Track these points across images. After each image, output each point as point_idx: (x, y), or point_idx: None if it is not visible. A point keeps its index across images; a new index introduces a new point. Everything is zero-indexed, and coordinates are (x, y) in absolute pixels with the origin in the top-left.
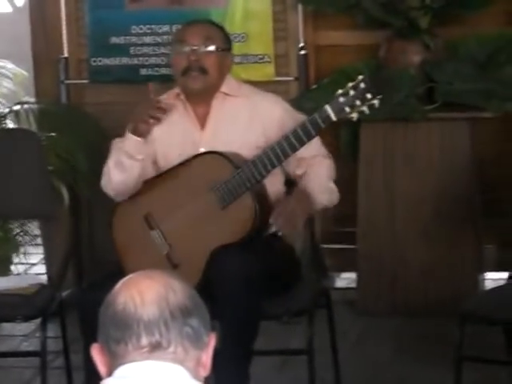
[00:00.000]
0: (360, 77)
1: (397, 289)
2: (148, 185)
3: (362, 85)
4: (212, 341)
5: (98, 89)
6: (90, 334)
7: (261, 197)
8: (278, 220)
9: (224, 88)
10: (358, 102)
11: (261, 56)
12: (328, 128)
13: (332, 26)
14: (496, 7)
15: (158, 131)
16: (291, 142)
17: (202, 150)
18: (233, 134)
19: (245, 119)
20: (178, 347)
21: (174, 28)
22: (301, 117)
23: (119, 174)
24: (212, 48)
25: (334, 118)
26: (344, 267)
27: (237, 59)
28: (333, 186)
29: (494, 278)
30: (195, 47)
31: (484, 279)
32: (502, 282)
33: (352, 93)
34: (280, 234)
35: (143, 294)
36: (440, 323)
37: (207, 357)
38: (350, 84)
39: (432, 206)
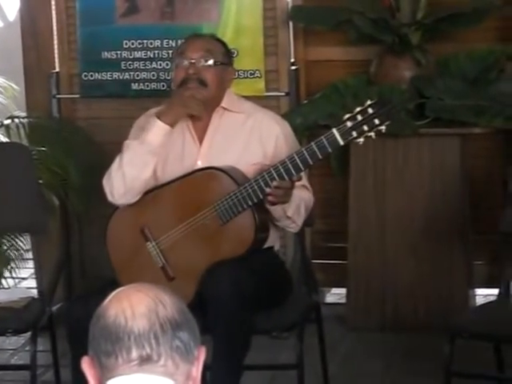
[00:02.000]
0: (368, 102)
1: (387, 304)
2: (146, 196)
3: (370, 110)
4: (202, 355)
5: (90, 103)
6: (78, 348)
7: (262, 214)
8: (277, 191)
9: (224, 103)
10: (365, 128)
11: (251, 71)
12: None
13: (323, 42)
14: (486, 24)
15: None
16: (296, 164)
17: (199, 163)
18: (230, 149)
19: (243, 135)
20: (168, 360)
21: (165, 43)
22: (296, 144)
23: (134, 170)
24: (211, 62)
25: (341, 142)
26: (334, 282)
27: None
28: (303, 211)
29: (483, 294)
30: (193, 61)
31: (474, 295)
32: (491, 298)
33: (359, 118)
34: (268, 206)
35: (134, 307)
36: (429, 339)
37: (197, 371)
38: (358, 108)
39: (422, 222)
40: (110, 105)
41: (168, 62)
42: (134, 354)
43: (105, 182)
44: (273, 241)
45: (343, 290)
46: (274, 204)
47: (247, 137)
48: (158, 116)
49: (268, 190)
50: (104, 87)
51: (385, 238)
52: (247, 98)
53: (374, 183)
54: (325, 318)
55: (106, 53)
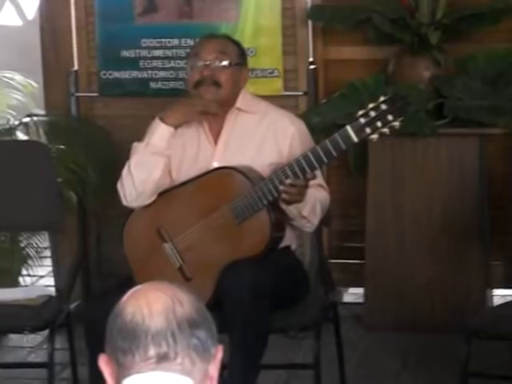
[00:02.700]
0: (381, 98)
1: (404, 304)
2: (162, 197)
3: (384, 106)
4: (219, 353)
5: (108, 102)
6: (96, 346)
7: (276, 213)
8: (291, 189)
9: (239, 103)
10: (379, 124)
11: (270, 70)
12: None
13: (341, 41)
14: (506, 24)
15: (173, 143)
16: (310, 162)
17: (215, 164)
18: (245, 149)
19: (259, 136)
20: (185, 359)
21: (184, 41)
22: (312, 142)
23: (142, 173)
24: (225, 63)
25: (355, 139)
26: (351, 282)
27: None
28: (319, 210)
29: (501, 295)
30: (208, 62)
31: (491, 295)
32: (509, 299)
33: (373, 114)
34: (283, 206)
35: (151, 305)
36: (447, 339)
37: (214, 369)
38: (371, 105)
39: (440, 222)
40: (128, 103)
41: (186, 62)
42: (152, 352)
43: (118, 186)
44: (289, 240)
45: (360, 290)
46: (288, 203)
47: (262, 137)
48: (161, 118)
49: (282, 187)
50: (122, 86)
51: (402, 237)
52: (265, 97)
53: (391, 183)
54: (342, 318)
55: (124, 51)
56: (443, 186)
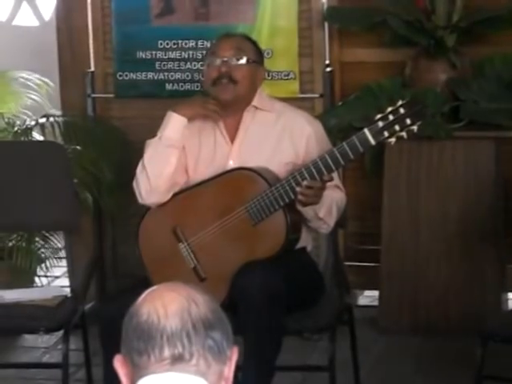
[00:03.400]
0: (400, 102)
1: (419, 307)
2: (178, 197)
3: (402, 110)
4: (234, 355)
5: (124, 103)
6: (110, 347)
7: (292, 215)
8: (307, 190)
9: (256, 102)
10: (397, 127)
11: (286, 72)
12: None
13: (358, 44)
14: None
15: (188, 141)
16: (328, 164)
17: (231, 162)
18: (262, 148)
19: (275, 135)
20: (200, 360)
21: (200, 43)
22: (328, 144)
23: (156, 167)
24: (243, 60)
25: (372, 142)
26: (367, 285)
27: None
28: (335, 212)
29: None
30: (226, 59)
31: (507, 299)
32: None
33: (391, 117)
34: (299, 207)
35: (166, 306)
36: (461, 342)
37: (229, 371)
38: (390, 108)
39: (455, 225)
40: (144, 105)
41: (203, 63)
42: (167, 352)
43: (134, 184)
44: (305, 241)
45: (375, 293)
46: (304, 205)
47: (279, 136)
48: (174, 110)
49: (298, 189)
50: (138, 87)
51: (418, 240)
52: (281, 99)
53: (407, 186)
54: (357, 321)
55: (140, 53)
56: (459, 188)
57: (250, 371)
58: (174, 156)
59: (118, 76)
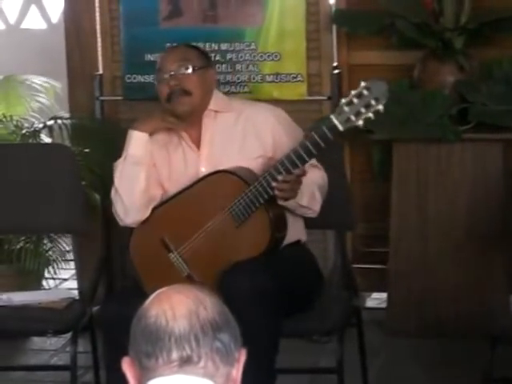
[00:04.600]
0: (362, 83)
1: (427, 309)
2: (159, 209)
3: (365, 92)
4: (242, 357)
5: (132, 105)
6: (113, 346)
7: (275, 210)
8: (283, 184)
9: (212, 105)
10: (362, 110)
11: (294, 75)
12: (360, 148)
13: (366, 46)
14: None
15: (158, 156)
16: (300, 155)
17: (203, 169)
18: (228, 149)
19: (238, 133)
20: (209, 362)
21: (208, 46)
22: (295, 128)
23: (126, 186)
24: (189, 70)
25: (340, 127)
26: (375, 287)
27: (269, 78)
28: (318, 195)
29: None
30: (172, 72)
31: None
32: None
33: (356, 101)
34: (281, 203)
35: (175, 308)
36: (470, 344)
37: (237, 373)
38: (353, 92)
39: (464, 227)
40: (152, 107)
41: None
42: (175, 355)
43: (113, 210)
44: (298, 234)
45: (384, 295)
46: (285, 200)
47: (243, 134)
48: (134, 127)
49: (274, 184)
50: (147, 90)
51: (426, 242)
52: (289, 101)
53: (415, 188)
54: (365, 323)
55: (149, 55)
56: (467, 191)
57: (247, 375)
58: (142, 172)
59: (126, 78)
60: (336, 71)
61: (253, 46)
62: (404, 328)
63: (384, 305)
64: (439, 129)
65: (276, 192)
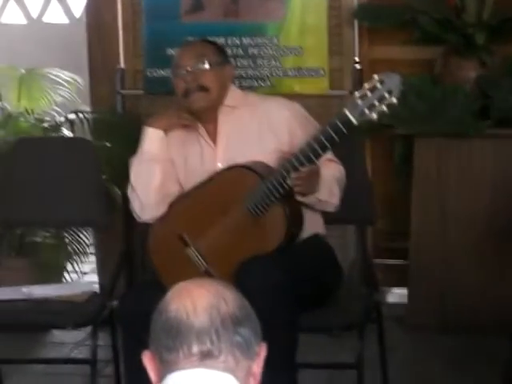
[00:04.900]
0: (376, 77)
1: (448, 305)
2: (176, 205)
3: (379, 85)
4: (263, 351)
5: (153, 99)
6: (130, 337)
7: (291, 205)
8: (300, 180)
9: (228, 101)
10: (376, 103)
11: (315, 69)
12: (382, 143)
13: (387, 41)
14: None
15: (175, 153)
16: (314, 149)
17: (219, 164)
18: (244, 144)
19: (254, 128)
20: (229, 356)
21: (229, 40)
22: (311, 122)
23: (142, 183)
24: (206, 65)
25: (354, 121)
26: (395, 283)
27: (291, 72)
28: (336, 189)
29: None
30: (189, 68)
31: None
32: None
33: (369, 94)
34: (299, 198)
35: (195, 302)
36: (490, 341)
37: (258, 367)
38: (367, 85)
39: (485, 223)
40: (172, 101)
41: (232, 60)
42: (195, 349)
43: (130, 207)
44: (316, 227)
45: (404, 291)
46: (303, 195)
47: (258, 128)
48: (149, 124)
49: (292, 181)
50: (167, 84)
51: (447, 238)
52: (310, 96)
53: (437, 183)
54: (385, 318)
55: (170, 49)
56: (488, 186)
57: (267, 370)
58: (157, 169)
59: (147, 73)
60: (357, 66)
61: (274, 41)
62: (424, 324)
63: (404, 300)
64: (460, 124)
65: (296, 189)
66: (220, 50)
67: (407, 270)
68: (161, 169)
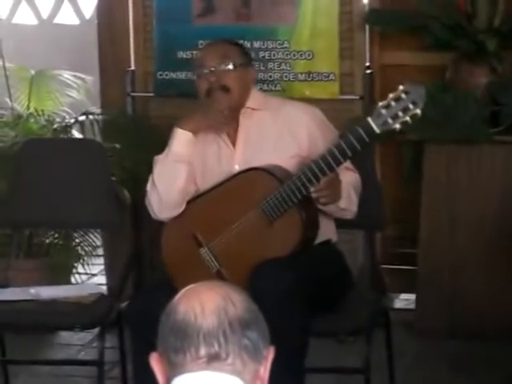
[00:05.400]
0: (401, 87)
1: (456, 311)
2: (192, 204)
3: (404, 95)
4: (270, 355)
5: (163, 102)
6: (140, 339)
7: (308, 210)
8: (324, 190)
9: (250, 103)
10: (400, 113)
11: (326, 74)
12: (391, 148)
13: (398, 46)
14: None
15: (193, 152)
16: (335, 156)
17: (237, 167)
18: (264, 147)
19: (274, 132)
20: (236, 359)
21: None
22: (331, 129)
23: (166, 183)
24: (230, 66)
25: (377, 130)
26: (403, 288)
27: (302, 76)
28: (354, 196)
29: None
30: (213, 68)
31: None
32: None
33: (394, 104)
34: (321, 207)
35: (204, 304)
36: (498, 347)
37: (265, 370)
38: (391, 95)
39: (494, 230)
40: (183, 104)
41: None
42: (203, 351)
43: (146, 201)
44: (329, 234)
45: (412, 296)
46: (325, 204)
47: (279, 132)
48: (179, 125)
49: (314, 194)
50: (178, 86)
51: (456, 244)
52: (321, 100)
53: (446, 189)
54: (393, 324)
55: (181, 52)
56: (498, 193)
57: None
58: (183, 171)
59: (158, 75)
60: (368, 71)
61: (285, 45)
62: (432, 329)
63: (412, 306)
64: (471, 130)
65: (321, 200)
66: (244, 51)
67: (416, 275)
68: (186, 171)
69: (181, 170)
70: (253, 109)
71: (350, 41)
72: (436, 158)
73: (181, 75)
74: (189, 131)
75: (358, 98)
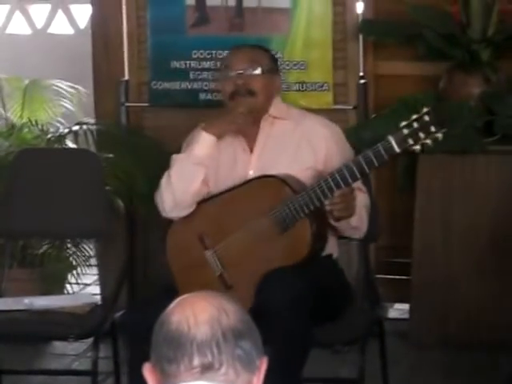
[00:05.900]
0: (425, 109)
1: (450, 321)
2: (202, 205)
3: (426, 117)
4: (264, 365)
5: (158, 112)
6: (136, 352)
7: (318, 223)
8: (339, 204)
9: (272, 111)
10: (421, 135)
11: (320, 84)
12: None
13: (392, 56)
14: None
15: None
16: (353, 171)
17: (251, 172)
18: (281, 156)
19: (293, 142)
20: (230, 369)
21: None
22: (348, 147)
23: (183, 183)
24: (258, 71)
25: (397, 149)
26: (397, 298)
27: (295, 86)
28: (364, 215)
29: None
30: (241, 71)
31: None
32: None
33: (416, 125)
34: (333, 223)
35: (197, 314)
36: (493, 357)
37: (258, 380)
38: (414, 116)
39: (488, 240)
40: (177, 114)
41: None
42: (196, 361)
43: (157, 197)
44: (331, 249)
45: (406, 306)
46: (338, 219)
47: (297, 143)
48: (204, 128)
49: (329, 207)
50: (172, 96)
51: (450, 254)
52: (315, 110)
53: (440, 199)
54: (387, 334)
55: (175, 62)
56: (492, 203)
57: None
58: (201, 174)
59: (152, 85)
60: (362, 81)
61: (279, 55)
62: (426, 339)
63: (406, 316)
64: (464, 140)
65: (335, 213)
66: (273, 58)
67: (410, 285)
68: (203, 174)
69: (199, 173)
70: (274, 117)
71: (344, 51)
72: (430, 168)
73: (175, 85)
74: (213, 135)
75: (351, 108)
